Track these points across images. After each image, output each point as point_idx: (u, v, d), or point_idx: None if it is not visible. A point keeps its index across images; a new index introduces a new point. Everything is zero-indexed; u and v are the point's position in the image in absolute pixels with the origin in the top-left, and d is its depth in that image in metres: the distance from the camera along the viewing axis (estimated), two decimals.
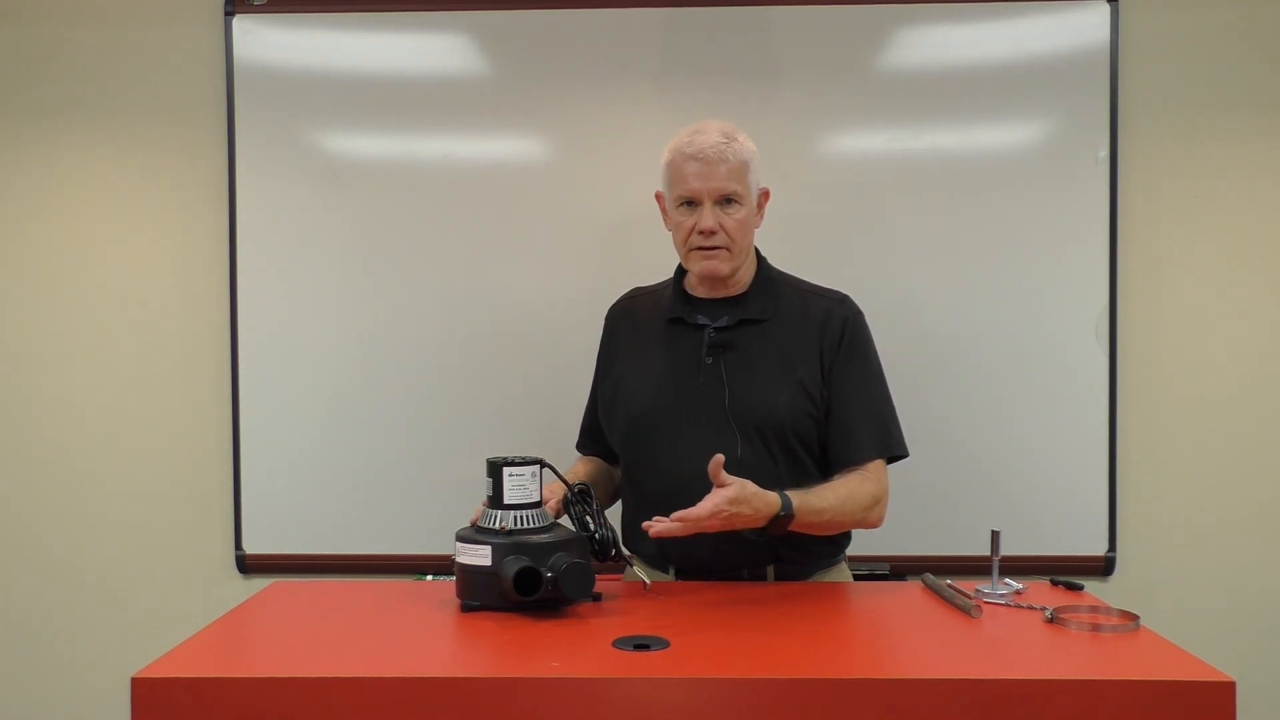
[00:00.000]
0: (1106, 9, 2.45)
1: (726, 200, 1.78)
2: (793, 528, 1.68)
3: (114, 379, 2.61)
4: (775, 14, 2.48)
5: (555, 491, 1.73)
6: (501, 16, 2.50)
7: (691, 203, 1.79)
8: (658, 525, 1.59)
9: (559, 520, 1.68)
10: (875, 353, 1.88)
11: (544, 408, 2.46)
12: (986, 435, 2.49)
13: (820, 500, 1.72)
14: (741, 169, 1.78)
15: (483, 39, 2.52)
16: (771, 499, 1.65)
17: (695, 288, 1.89)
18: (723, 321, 1.84)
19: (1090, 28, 2.45)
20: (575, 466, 1.98)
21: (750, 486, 1.63)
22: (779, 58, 2.49)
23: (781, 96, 2.49)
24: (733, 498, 1.60)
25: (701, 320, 1.85)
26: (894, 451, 1.84)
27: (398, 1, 2.49)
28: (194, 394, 2.59)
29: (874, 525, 1.82)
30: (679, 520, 1.58)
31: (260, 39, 2.52)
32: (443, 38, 2.53)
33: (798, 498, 1.68)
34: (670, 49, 2.50)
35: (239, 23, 2.52)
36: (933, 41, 2.47)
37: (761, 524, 1.65)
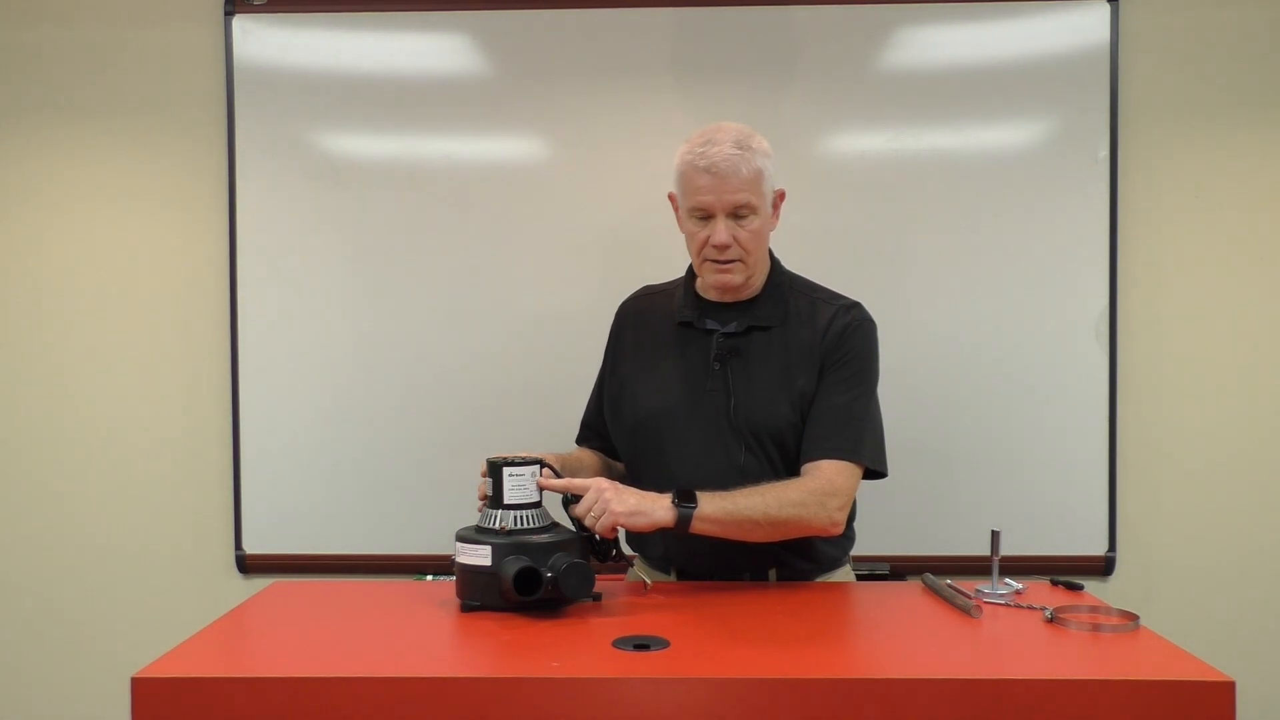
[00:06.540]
0: (1106, 9, 2.45)
1: (740, 212, 1.74)
2: (707, 530, 1.64)
3: (114, 378, 2.61)
4: (774, 14, 2.47)
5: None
6: (502, 16, 2.50)
7: (704, 214, 1.75)
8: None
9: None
10: (871, 364, 1.80)
11: (544, 408, 2.46)
12: (986, 435, 2.49)
13: (733, 501, 1.65)
14: (755, 179, 1.73)
15: (483, 39, 2.52)
16: (662, 498, 1.64)
17: (707, 291, 1.86)
18: (731, 327, 1.81)
19: (1090, 28, 2.45)
20: (576, 454, 1.95)
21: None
22: (779, 59, 2.49)
23: (781, 97, 2.49)
24: (612, 482, 1.64)
25: (711, 325, 1.82)
26: (858, 459, 1.73)
27: (398, 1, 2.50)
28: (194, 394, 2.60)
29: (826, 529, 1.70)
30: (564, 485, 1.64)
31: (260, 39, 2.52)
32: (443, 38, 2.53)
33: (705, 496, 1.64)
34: (673, 49, 2.50)
35: (239, 22, 2.52)
36: (932, 42, 2.47)
37: (667, 520, 1.62)
